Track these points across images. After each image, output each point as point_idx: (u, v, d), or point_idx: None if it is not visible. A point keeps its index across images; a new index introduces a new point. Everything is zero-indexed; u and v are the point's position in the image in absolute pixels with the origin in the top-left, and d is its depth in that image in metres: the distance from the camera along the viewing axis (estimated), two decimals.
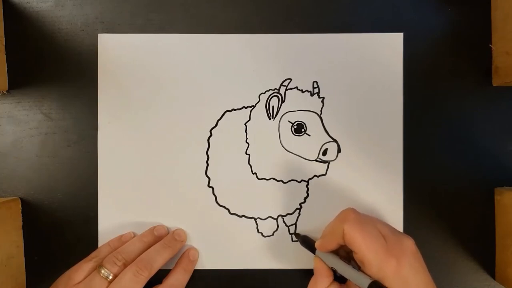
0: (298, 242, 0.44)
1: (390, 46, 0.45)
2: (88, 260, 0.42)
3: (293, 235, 0.45)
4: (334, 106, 0.45)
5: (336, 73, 0.45)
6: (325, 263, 0.41)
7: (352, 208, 0.41)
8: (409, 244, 0.38)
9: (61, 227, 0.45)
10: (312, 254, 0.42)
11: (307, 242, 0.43)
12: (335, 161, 0.45)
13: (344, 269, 0.39)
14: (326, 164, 0.45)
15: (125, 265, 0.41)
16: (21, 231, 0.45)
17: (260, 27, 0.45)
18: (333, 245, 0.40)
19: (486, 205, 0.45)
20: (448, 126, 0.45)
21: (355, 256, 0.38)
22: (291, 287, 0.45)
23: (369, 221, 0.39)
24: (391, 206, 0.45)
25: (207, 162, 0.45)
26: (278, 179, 0.45)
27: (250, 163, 0.45)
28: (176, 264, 0.44)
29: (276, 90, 0.45)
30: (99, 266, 0.41)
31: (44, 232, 0.45)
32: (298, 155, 0.45)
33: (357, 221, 0.38)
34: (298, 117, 0.45)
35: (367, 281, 0.36)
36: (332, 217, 0.44)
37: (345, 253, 0.42)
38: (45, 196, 0.45)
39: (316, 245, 0.41)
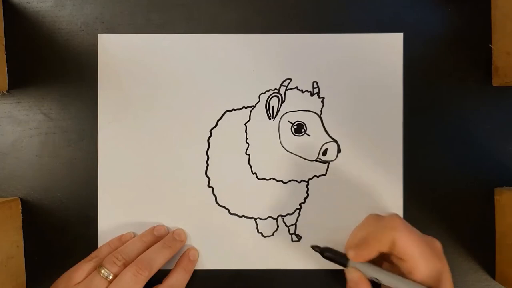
0: (319, 253, 0.41)
1: (390, 46, 0.45)
2: (88, 260, 0.42)
3: (293, 235, 0.45)
4: (334, 106, 0.45)
5: (336, 73, 0.45)
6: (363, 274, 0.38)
7: (397, 215, 0.39)
8: (440, 246, 0.39)
9: (61, 227, 0.45)
10: (327, 261, 0.40)
11: (332, 254, 0.40)
12: (335, 161, 0.45)
13: (391, 279, 0.37)
14: (326, 164, 0.45)
15: (125, 265, 0.41)
16: (21, 231, 0.45)
17: (260, 27, 0.45)
18: (374, 254, 0.38)
19: (486, 205, 0.45)
20: (448, 126, 0.45)
21: (404, 265, 0.37)
22: (291, 287, 0.45)
23: (415, 229, 0.39)
24: (391, 206, 0.45)
25: (207, 162, 0.45)
26: (278, 179, 0.45)
27: (250, 163, 0.45)
28: (176, 264, 0.44)
29: (276, 90, 0.45)
30: (99, 266, 0.41)
31: (44, 232, 0.45)
32: (298, 155, 0.45)
33: (408, 229, 0.37)
34: (298, 117, 0.45)
35: None
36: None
37: (376, 261, 0.40)
38: (45, 196, 0.45)
39: (351, 255, 0.38)
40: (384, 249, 0.37)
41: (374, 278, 0.38)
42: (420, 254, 0.36)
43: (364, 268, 0.38)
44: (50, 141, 0.45)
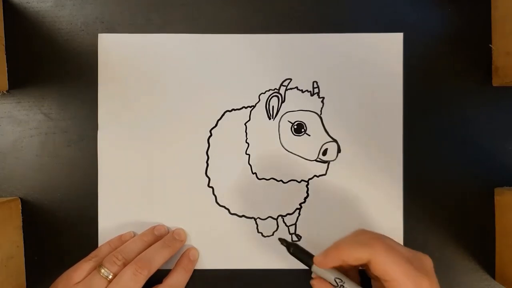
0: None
1: (390, 46, 0.45)
2: (88, 259, 0.42)
3: (293, 235, 0.45)
4: (334, 106, 0.45)
5: (336, 73, 0.45)
6: (333, 286, 0.38)
7: (380, 235, 0.38)
8: (430, 262, 0.37)
9: (61, 227, 0.45)
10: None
11: (298, 251, 0.40)
12: (335, 161, 0.45)
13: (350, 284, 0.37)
14: (326, 164, 0.45)
15: (125, 265, 0.41)
16: (21, 231, 0.45)
17: (260, 27, 0.45)
18: (337, 264, 0.37)
19: (486, 205, 0.45)
20: (448, 126, 0.45)
21: (387, 284, 0.36)
22: (291, 287, 0.45)
23: (393, 244, 0.37)
24: (391, 206, 0.45)
25: (207, 162, 0.45)
26: (278, 179, 0.45)
27: (250, 163, 0.45)
28: (176, 264, 0.44)
29: (276, 90, 0.45)
30: (99, 265, 0.41)
31: (44, 232, 0.45)
32: (298, 155, 0.45)
33: (387, 249, 0.36)
34: (298, 117, 0.45)
35: None
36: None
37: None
38: (45, 196, 0.45)
39: (317, 261, 0.38)
40: (354, 263, 0.36)
41: (338, 279, 0.38)
42: (404, 274, 0.35)
43: (324, 272, 0.38)
44: (50, 141, 0.45)
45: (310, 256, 0.39)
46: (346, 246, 0.37)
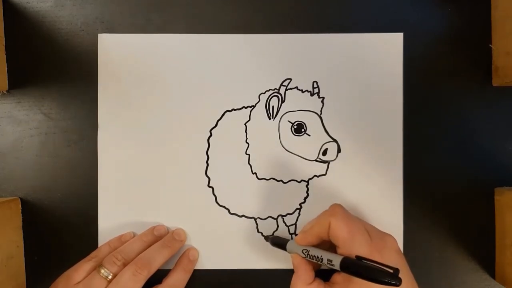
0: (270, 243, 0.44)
1: (390, 46, 0.45)
2: (87, 260, 0.42)
3: (293, 235, 0.45)
4: (334, 106, 0.45)
5: (336, 73, 0.45)
6: (303, 257, 0.40)
7: (339, 204, 0.41)
8: (392, 241, 0.39)
9: (61, 227, 0.45)
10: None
11: (279, 241, 0.43)
12: (335, 161, 0.45)
13: (317, 252, 0.39)
14: (326, 164, 0.45)
15: (124, 265, 0.41)
16: (21, 231, 0.45)
17: (260, 27, 0.45)
18: (314, 239, 0.40)
19: (486, 205, 0.45)
20: (448, 126, 0.45)
21: (339, 251, 0.38)
22: None
23: (355, 217, 0.40)
24: (391, 206, 0.45)
25: (207, 162, 0.45)
26: (278, 179, 0.45)
27: (250, 163, 0.45)
28: (176, 264, 0.44)
29: (276, 90, 0.45)
30: (98, 266, 0.41)
31: (44, 232, 0.45)
32: (298, 155, 0.45)
33: (344, 216, 0.39)
34: (298, 117, 0.45)
35: (339, 258, 0.36)
36: None
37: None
38: (45, 196, 0.45)
39: (297, 238, 0.41)
40: (323, 234, 0.39)
41: (306, 251, 0.40)
42: (353, 240, 0.37)
43: (300, 249, 0.40)
44: (50, 141, 0.45)
45: (286, 240, 0.43)
46: (315, 218, 0.41)
